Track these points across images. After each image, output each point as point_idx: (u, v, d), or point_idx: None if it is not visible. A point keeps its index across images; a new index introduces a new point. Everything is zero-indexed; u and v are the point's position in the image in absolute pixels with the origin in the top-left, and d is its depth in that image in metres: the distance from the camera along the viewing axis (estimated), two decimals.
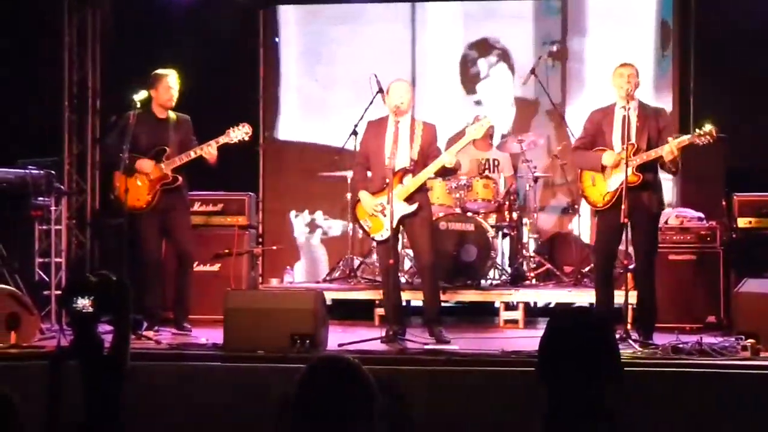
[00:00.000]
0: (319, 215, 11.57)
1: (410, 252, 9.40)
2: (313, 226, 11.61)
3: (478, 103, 11.47)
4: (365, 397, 2.97)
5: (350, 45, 11.53)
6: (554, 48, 11.24)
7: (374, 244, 8.63)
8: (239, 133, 8.49)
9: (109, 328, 3.78)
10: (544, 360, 3.17)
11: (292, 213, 11.65)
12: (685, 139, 7.61)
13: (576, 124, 9.69)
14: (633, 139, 7.68)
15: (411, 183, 8.08)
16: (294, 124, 11.71)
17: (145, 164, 8.50)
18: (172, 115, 8.69)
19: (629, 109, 7.75)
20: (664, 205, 8.24)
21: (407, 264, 9.99)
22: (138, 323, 8.10)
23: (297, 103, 11.73)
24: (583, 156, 8.10)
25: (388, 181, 7.97)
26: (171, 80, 8.60)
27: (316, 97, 11.66)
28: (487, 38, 11.45)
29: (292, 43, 11.72)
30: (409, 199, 8.10)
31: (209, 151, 8.45)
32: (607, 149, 7.84)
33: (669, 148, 7.53)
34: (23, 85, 10.56)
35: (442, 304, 8.79)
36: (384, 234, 8.12)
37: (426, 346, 7.83)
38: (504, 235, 10.49)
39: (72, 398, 3.60)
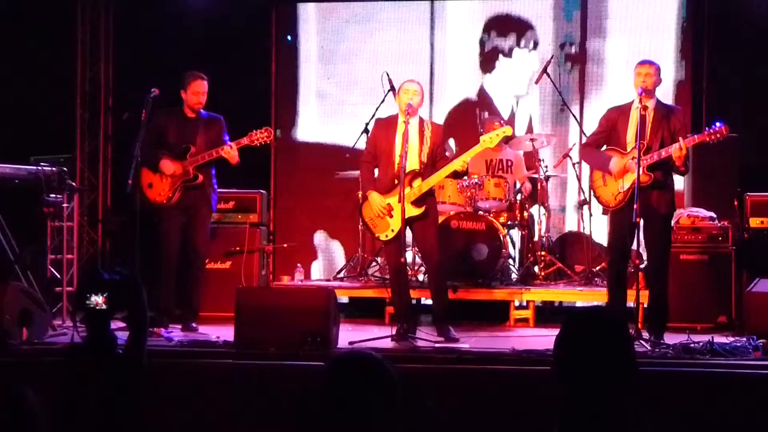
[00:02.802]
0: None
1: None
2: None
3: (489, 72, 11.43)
4: (388, 390, 3.00)
5: (368, 43, 11.48)
6: (573, 50, 11.20)
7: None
8: (261, 136, 8.57)
9: (122, 324, 3.80)
10: (560, 360, 3.16)
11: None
12: (695, 137, 7.60)
13: (593, 125, 9.68)
14: (646, 139, 7.67)
15: (421, 186, 8.09)
16: (311, 123, 11.68)
17: (166, 166, 8.56)
18: (204, 114, 8.77)
19: (646, 108, 7.74)
20: (675, 206, 8.24)
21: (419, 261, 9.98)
22: (150, 320, 8.11)
23: (314, 102, 11.70)
24: (593, 155, 8.12)
25: (397, 182, 7.99)
26: (198, 86, 8.66)
27: (332, 96, 11.62)
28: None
29: (311, 42, 11.68)
30: (417, 202, 8.11)
31: (229, 152, 8.51)
32: (617, 152, 7.84)
33: (678, 146, 7.52)
34: (36, 82, 10.58)
35: (453, 303, 8.80)
36: (389, 235, 8.15)
37: (436, 345, 7.84)
38: (515, 234, 10.48)
39: (87, 394, 3.62)
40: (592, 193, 8.39)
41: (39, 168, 9.08)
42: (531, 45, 11.31)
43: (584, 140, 9.57)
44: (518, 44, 11.36)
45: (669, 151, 7.57)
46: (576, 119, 10.59)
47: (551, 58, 10.66)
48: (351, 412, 2.98)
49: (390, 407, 3.00)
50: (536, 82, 10.80)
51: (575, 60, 11.19)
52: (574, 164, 10.41)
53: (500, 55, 11.41)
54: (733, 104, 10.15)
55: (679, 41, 10.92)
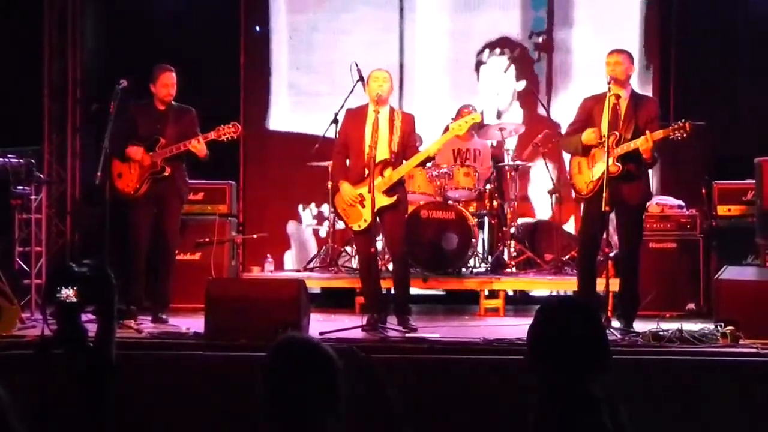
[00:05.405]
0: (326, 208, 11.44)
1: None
2: (321, 218, 11.50)
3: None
4: (326, 372, 3.04)
5: (338, 33, 11.44)
6: (540, 39, 11.22)
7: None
8: (228, 131, 8.57)
9: (92, 317, 3.77)
10: (534, 348, 3.18)
11: (300, 207, 11.58)
12: (661, 132, 7.63)
13: (562, 114, 9.72)
14: (619, 129, 7.70)
15: (391, 175, 8.09)
16: (282, 113, 11.64)
17: (133, 151, 8.55)
18: (174, 106, 8.74)
19: (619, 97, 7.78)
20: (649, 196, 8.29)
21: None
22: (120, 312, 8.09)
23: (285, 93, 11.64)
24: (568, 139, 8.16)
25: (368, 172, 8.00)
26: (167, 78, 8.63)
27: (304, 86, 11.58)
28: (509, 36, 11.36)
29: (282, 32, 11.63)
30: (388, 192, 8.11)
31: (196, 146, 8.50)
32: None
33: (643, 139, 7.56)
34: (3, 73, 10.49)
35: (425, 293, 8.82)
36: (362, 225, 8.16)
37: (407, 335, 7.85)
38: (484, 224, 10.50)
39: (58, 389, 3.60)
40: (569, 182, 8.38)
41: (6, 160, 9.03)
42: (504, 51, 11.32)
43: (554, 129, 9.66)
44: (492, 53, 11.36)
45: (637, 143, 7.60)
46: (545, 108, 10.61)
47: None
48: (291, 397, 3.00)
49: (329, 391, 3.03)
50: (504, 71, 10.82)
51: (543, 49, 11.21)
52: (543, 153, 10.44)
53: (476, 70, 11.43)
54: (701, 93, 10.20)
55: (645, 29, 10.96)
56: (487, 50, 11.32)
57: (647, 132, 7.59)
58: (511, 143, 10.63)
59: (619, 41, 9.09)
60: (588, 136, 7.81)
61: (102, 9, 11.26)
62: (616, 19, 11.00)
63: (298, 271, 10.79)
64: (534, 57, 11.12)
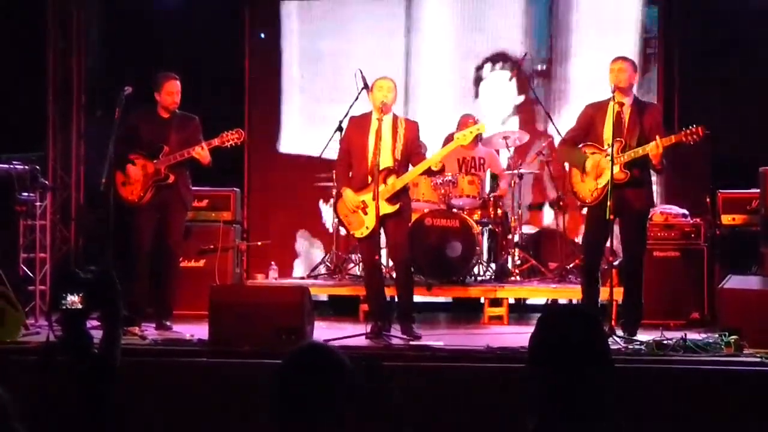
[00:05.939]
0: None
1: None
2: None
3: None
4: (336, 375, 3.05)
5: (345, 41, 11.45)
6: (543, 53, 11.23)
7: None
8: (232, 137, 8.59)
9: (97, 323, 3.79)
10: (536, 357, 3.18)
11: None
12: (672, 137, 7.64)
13: (561, 123, 9.72)
14: (623, 137, 7.70)
15: (395, 183, 8.09)
16: (291, 120, 11.62)
17: (133, 171, 8.58)
18: (178, 113, 8.74)
19: (623, 105, 7.78)
20: (653, 203, 8.29)
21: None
22: (124, 319, 8.08)
23: (296, 101, 11.64)
24: (570, 152, 8.14)
25: (371, 180, 8.00)
26: (172, 86, 8.64)
27: (310, 93, 11.56)
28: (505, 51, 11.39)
29: (294, 40, 11.63)
30: (391, 200, 8.10)
31: (200, 152, 8.51)
32: (594, 147, 7.86)
33: (654, 144, 7.56)
34: (6, 78, 10.49)
35: (429, 301, 8.80)
36: (363, 232, 8.16)
37: (411, 342, 7.85)
38: (489, 232, 10.50)
39: (61, 394, 3.61)
40: (571, 190, 8.38)
41: (11, 166, 9.05)
42: (505, 65, 11.34)
43: (556, 138, 9.65)
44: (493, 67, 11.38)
45: (646, 149, 7.60)
46: (551, 119, 10.60)
47: (525, 55, 10.68)
48: (299, 398, 3.01)
49: (334, 393, 3.04)
50: (509, 79, 10.82)
51: (546, 63, 11.23)
52: (546, 162, 10.44)
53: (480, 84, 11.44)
54: (705, 101, 10.19)
55: (641, 40, 10.97)
56: (487, 65, 11.34)
57: (657, 138, 7.58)
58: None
59: (618, 50, 9.10)
60: (591, 166, 7.80)
61: (102, 9, 11.25)
62: (614, 28, 11.02)
63: (302, 278, 10.78)
64: (537, 69, 11.12)
